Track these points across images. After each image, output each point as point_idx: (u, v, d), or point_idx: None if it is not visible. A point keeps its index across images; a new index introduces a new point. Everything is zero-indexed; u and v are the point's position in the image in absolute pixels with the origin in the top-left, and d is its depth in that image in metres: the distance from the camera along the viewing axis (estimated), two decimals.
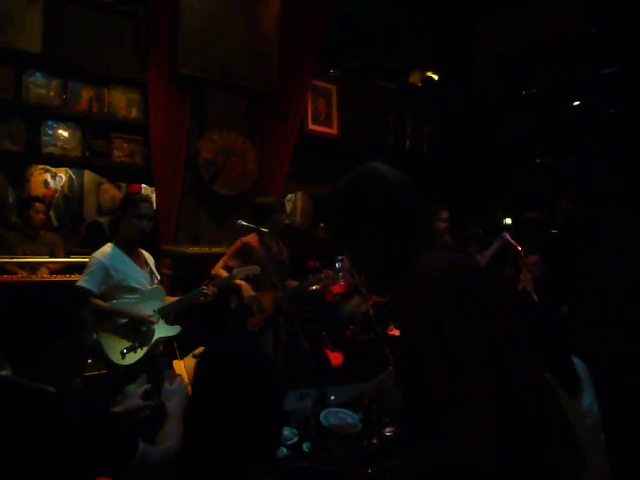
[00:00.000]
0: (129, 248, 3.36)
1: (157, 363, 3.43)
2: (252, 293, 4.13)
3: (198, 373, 1.46)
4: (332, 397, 2.39)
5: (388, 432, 2.12)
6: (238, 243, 4.26)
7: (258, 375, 1.41)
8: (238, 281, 4.09)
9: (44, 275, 4.41)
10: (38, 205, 4.88)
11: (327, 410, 2.24)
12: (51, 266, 4.60)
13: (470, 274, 1.46)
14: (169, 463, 1.64)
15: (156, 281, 3.52)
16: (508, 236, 4.90)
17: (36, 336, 1.57)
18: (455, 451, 1.19)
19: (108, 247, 3.31)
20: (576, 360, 2.56)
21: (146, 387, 2.12)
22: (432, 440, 1.25)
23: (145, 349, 3.31)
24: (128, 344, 3.26)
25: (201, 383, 1.44)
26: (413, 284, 1.38)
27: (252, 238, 4.20)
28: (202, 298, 3.57)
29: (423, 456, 1.29)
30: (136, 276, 3.34)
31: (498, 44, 6.97)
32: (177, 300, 3.61)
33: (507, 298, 1.52)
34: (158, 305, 3.43)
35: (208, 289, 3.58)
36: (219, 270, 4.20)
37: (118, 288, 3.25)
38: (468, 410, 1.20)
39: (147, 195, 3.76)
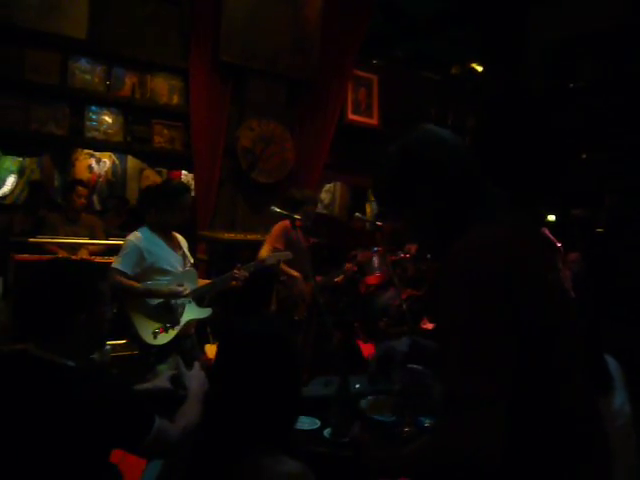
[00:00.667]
0: (164, 232, 3.42)
1: (188, 344, 3.48)
2: (304, 286, 4.23)
3: (221, 349, 1.48)
4: (357, 385, 2.37)
5: (427, 423, 2.10)
6: (280, 226, 4.25)
7: (280, 355, 1.42)
8: (294, 273, 4.21)
9: (84, 256, 4.51)
10: (81, 189, 4.98)
11: (368, 398, 2.23)
12: (90, 247, 4.69)
13: (519, 256, 1.29)
14: (186, 439, 1.66)
15: (189, 264, 3.55)
16: (547, 232, 4.79)
17: (58, 310, 1.60)
18: (448, 449, 1.16)
19: (142, 230, 3.36)
20: (609, 359, 2.49)
21: (174, 372, 2.15)
22: (431, 436, 1.25)
23: (177, 329, 3.36)
24: (160, 325, 3.31)
25: (222, 359, 1.46)
26: (452, 260, 1.28)
27: (286, 222, 4.15)
28: (234, 282, 3.60)
29: (422, 450, 1.28)
30: (169, 259, 3.40)
31: (546, 36, 6.80)
32: (209, 283, 3.65)
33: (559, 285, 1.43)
34: (191, 287, 3.47)
35: (240, 273, 3.60)
36: (266, 255, 4.13)
37: (151, 270, 3.30)
38: (469, 410, 1.14)
39: (189, 185, 3.80)
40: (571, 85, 6.91)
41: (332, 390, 2.33)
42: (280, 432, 1.42)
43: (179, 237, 3.58)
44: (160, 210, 3.40)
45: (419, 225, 1.48)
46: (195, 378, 2.00)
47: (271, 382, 1.39)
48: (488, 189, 1.42)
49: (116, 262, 3.26)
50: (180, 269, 3.44)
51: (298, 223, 3.64)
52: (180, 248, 3.53)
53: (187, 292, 3.38)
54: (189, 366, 2.11)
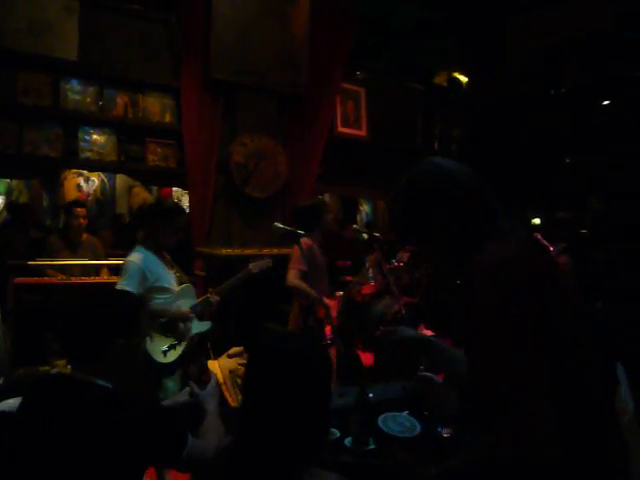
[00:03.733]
0: (159, 251, 3.44)
1: (193, 356, 3.51)
2: (333, 306, 4.08)
3: (253, 366, 1.51)
4: (370, 395, 2.42)
5: (445, 434, 2.14)
6: (301, 246, 3.78)
7: (313, 372, 1.45)
8: (327, 300, 3.99)
9: (104, 276, 4.51)
10: (78, 210, 4.93)
11: (384, 415, 2.28)
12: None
13: (537, 264, 1.40)
14: (220, 457, 1.70)
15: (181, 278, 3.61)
16: (540, 237, 4.89)
17: (100, 333, 1.66)
18: (507, 451, 1.18)
19: (140, 250, 3.37)
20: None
21: (189, 387, 2.19)
22: (488, 441, 1.24)
23: (184, 345, 3.39)
24: (169, 342, 3.34)
25: (255, 376, 1.48)
26: (477, 270, 1.35)
27: (306, 241, 3.93)
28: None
29: (476, 459, 1.29)
30: (168, 277, 3.43)
31: (527, 44, 6.95)
32: (204, 299, 3.65)
33: (573, 294, 1.50)
34: (190, 303, 3.51)
35: (212, 297, 3.62)
36: (297, 281, 3.99)
37: (153, 289, 3.33)
38: (523, 410, 1.18)
39: (183, 206, 3.84)
40: (553, 92, 7.05)
41: (348, 400, 2.38)
42: (314, 446, 1.45)
43: (167, 256, 3.61)
44: (156, 230, 3.41)
45: (435, 252, 1.57)
46: (211, 396, 2.05)
47: (305, 397, 1.41)
48: (494, 205, 1.51)
49: (121, 283, 3.27)
50: (176, 286, 3.49)
51: (309, 243, 3.64)
52: (172, 266, 3.56)
53: (192, 315, 3.44)
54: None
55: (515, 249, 1.40)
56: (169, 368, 3.33)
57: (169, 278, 3.45)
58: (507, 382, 1.22)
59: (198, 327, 3.56)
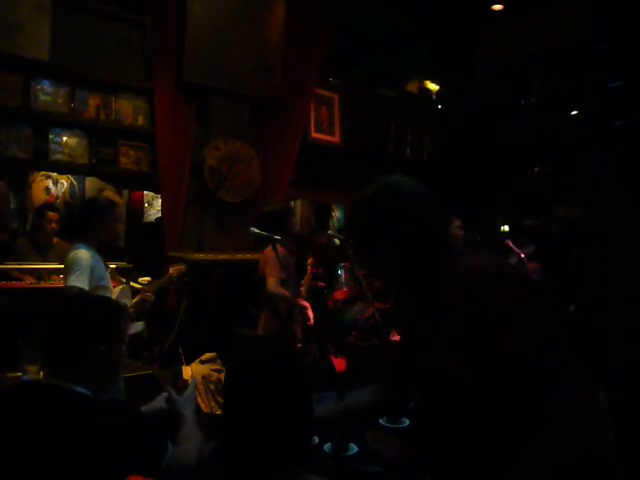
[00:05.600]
0: (98, 249, 3.41)
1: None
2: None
3: (231, 373, 1.51)
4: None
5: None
6: (272, 254, 3.82)
7: (292, 375, 1.45)
8: (303, 302, 4.03)
9: (53, 282, 4.41)
10: (51, 214, 4.84)
11: (373, 434, 2.28)
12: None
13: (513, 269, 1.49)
14: (202, 465, 1.68)
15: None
16: (511, 243, 4.97)
17: (80, 338, 1.63)
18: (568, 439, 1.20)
19: (83, 247, 3.31)
20: None
21: (167, 392, 2.16)
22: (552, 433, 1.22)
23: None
24: None
25: (236, 384, 1.47)
26: (469, 279, 1.37)
27: (279, 248, 3.86)
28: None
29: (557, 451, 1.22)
30: (106, 275, 3.43)
31: (498, 54, 7.07)
32: (139, 299, 3.60)
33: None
34: (127, 304, 3.42)
35: (148, 295, 3.58)
36: (280, 289, 3.95)
37: (97, 288, 3.27)
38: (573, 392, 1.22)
39: (113, 200, 3.85)
40: (522, 101, 7.18)
41: (325, 406, 2.38)
42: (300, 450, 1.44)
43: None
44: (95, 227, 3.39)
45: (384, 270, 1.58)
46: (188, 402, 2.03)
47: (286, 401, 1.41)
48: (447, 233, 1.60)
49: (74, 280, 3.17)
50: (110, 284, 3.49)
51: (281, 246, 3.65)
52: (107, 266, 3.55)
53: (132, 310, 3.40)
54: None
55: (491, 258, 1.47)
56: None
57: (107, 276, 3.44)
58: (553, 364, 1.24)
59: (134, 328, 3.50)
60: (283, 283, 3.96)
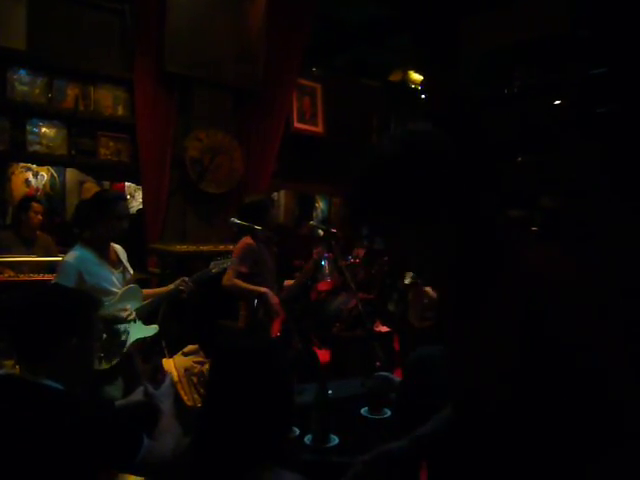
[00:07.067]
0: (101, 249, 3.19)
1: (132, 362, 3.29)
2: (277, 299, 3.88)
3: (215, 367, 1.50)
4: (330, 392, 2.41)
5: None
6: (241, 246, 3.94)
7: (272, 369, 1.44)
8: (263, 290, 3.84)
9: (33, 276, 4.33)
10: (36, 206, 4.73)
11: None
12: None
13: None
14: (179, 458, 1.66)
15: (129, 276, 3.36)
16: None
17: (52, 331, 1.60)
18: None
19: (78, 250, 3.12)
20: None
21: (143, 387, 2.13)
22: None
23: (123, 352, 3.18)
24: (105, 349, 3.10)
25: (217, 377, 1.47)
26: (538, 285, 1.02)
27: (249, 239, 3.95)
28: (182, 294, 3.49)
29: None
30: (109, 277, 3.19)
31: (482, 44, 7.05)
32: (151, 301, 3.45)
33: None
34: (135, 306, 3.30)
35: (186, 286, 3.49)
36: (235, 281, 3.86)
37: (93, 292, 3.11)
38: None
39: (122, 193, 3.66)
40: (505, 91, 7.16)
41: (306, 398, 2.37)
42: (275, 445, 1.43)
43: (117, 247, 3.35)
44: (94, 223, 3.17)
45: (430, 251, 1.17)
46: (166, 396, 2.01)
47: (265, 396, 1.40)
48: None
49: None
50: (120, 286, 3.25)
51: (261, 237, 3.60)
52: (119, 262, 3.33)
53: (132, 316, 3.22)
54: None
55: (567, 260, 1.09)
56: (109, 375, 3.11)
57: (111, 278, 3.20)
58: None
59: (144, 332, 3.34)
60: (253, 276, 3.89)
